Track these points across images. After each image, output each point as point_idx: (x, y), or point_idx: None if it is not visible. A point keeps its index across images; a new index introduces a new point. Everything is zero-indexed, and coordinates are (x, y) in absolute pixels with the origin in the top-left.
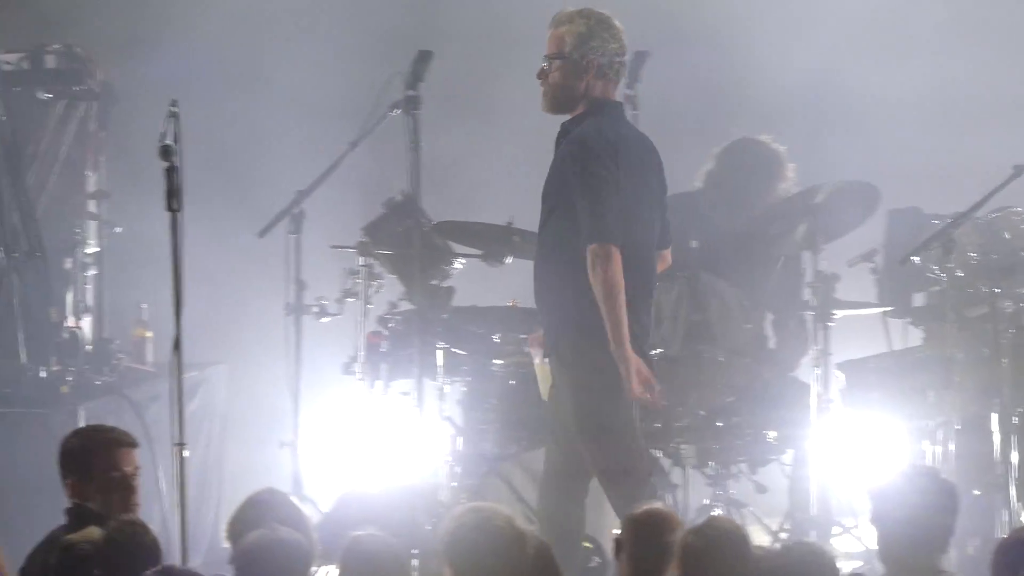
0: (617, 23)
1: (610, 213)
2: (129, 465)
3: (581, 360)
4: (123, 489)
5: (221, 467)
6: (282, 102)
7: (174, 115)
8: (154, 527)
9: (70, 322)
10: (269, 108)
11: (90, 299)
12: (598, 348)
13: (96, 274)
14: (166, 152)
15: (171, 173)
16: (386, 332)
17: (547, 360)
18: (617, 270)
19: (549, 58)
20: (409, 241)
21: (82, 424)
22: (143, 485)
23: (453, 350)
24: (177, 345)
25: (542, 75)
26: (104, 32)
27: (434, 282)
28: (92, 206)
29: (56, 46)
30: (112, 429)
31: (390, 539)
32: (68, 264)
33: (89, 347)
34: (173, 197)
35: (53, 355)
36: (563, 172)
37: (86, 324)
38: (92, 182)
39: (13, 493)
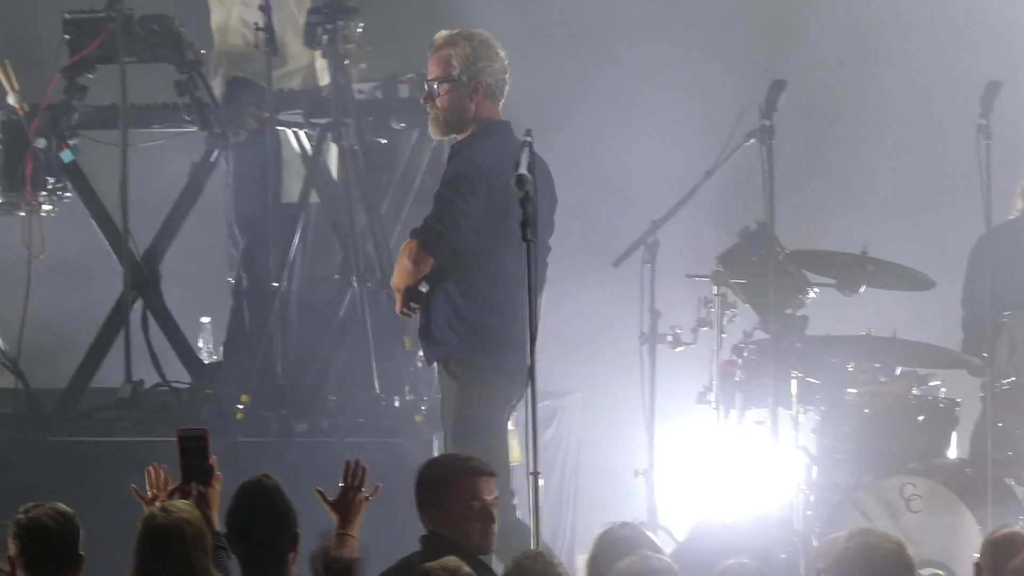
0: (496, 43)
1: (447, 231)
2: (488, 494)
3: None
4: (482, 518)
5: (575, 496)
6: (639, 130)
7: (528, 144)
8: None
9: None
10: (625, 136)
11: None
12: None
13: None
14: (520, 182)
15: (525, 203)
16: (740, 361)
17: None
18: (420, 270)
19: (437, 81)
20: (763, 270)
21: (436, 453)
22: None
23: (807, 379)
24: (531, 374)
25: (428, 99)
26: None
27: (788, 311)
28: None
29: (410, 75)
30: (470, 458)
31: (760, 567)
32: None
33: None
34: (528, 227)
35: (407, 384)
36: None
37: None
38: None
39: (367, 522)
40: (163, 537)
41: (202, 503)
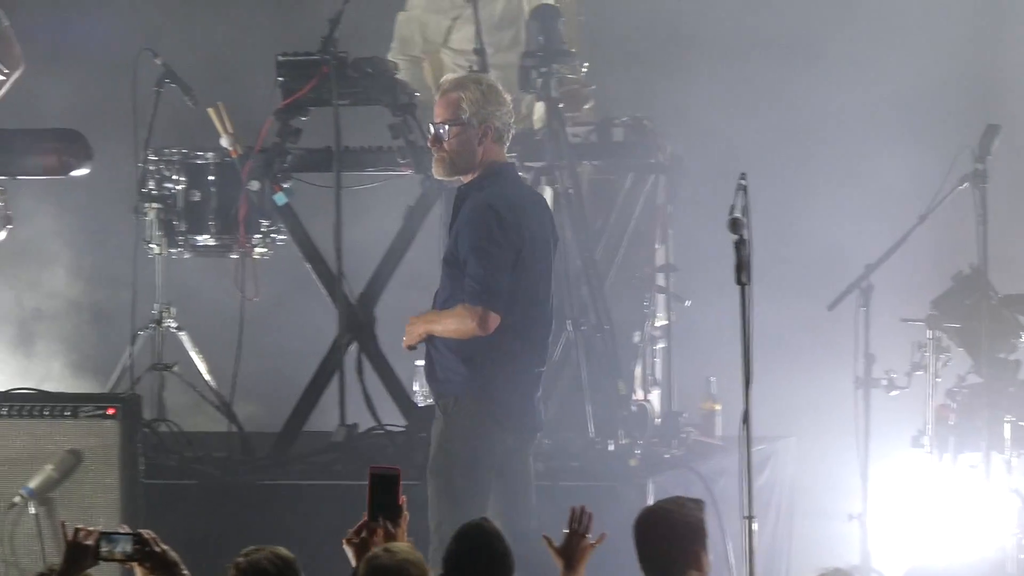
0: (503, 89)
1: (501, 284)
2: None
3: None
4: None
5: (790, 540)
6: (850, 176)
7: (743, 188)
8: None
9: (638, 395)
10: (840, 182)
11: (659, 372)
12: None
13: (664, 347)
14: (735, 225)
15: (740, 246)
16: (954, 405)
17: None
18: (488, 332)
19: (446, 123)
20: (977, 314)
21: (651, 498)
22: (713, 558)
23: (1020, 423)
24: (746, 418)
25: (436, 141)
26: (669, 102)
27: (1001, 355)
28: (660, 279)
29: (624, 119)
30: (683, 503)
31: None
32: (636, 338)
33: (658, 420)
34: (742, 270)
35: (621, 428)
36: (459, 237)
37: (655, 397)
38: (660, 255)
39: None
40: (383, 574)
41: (388, 542)
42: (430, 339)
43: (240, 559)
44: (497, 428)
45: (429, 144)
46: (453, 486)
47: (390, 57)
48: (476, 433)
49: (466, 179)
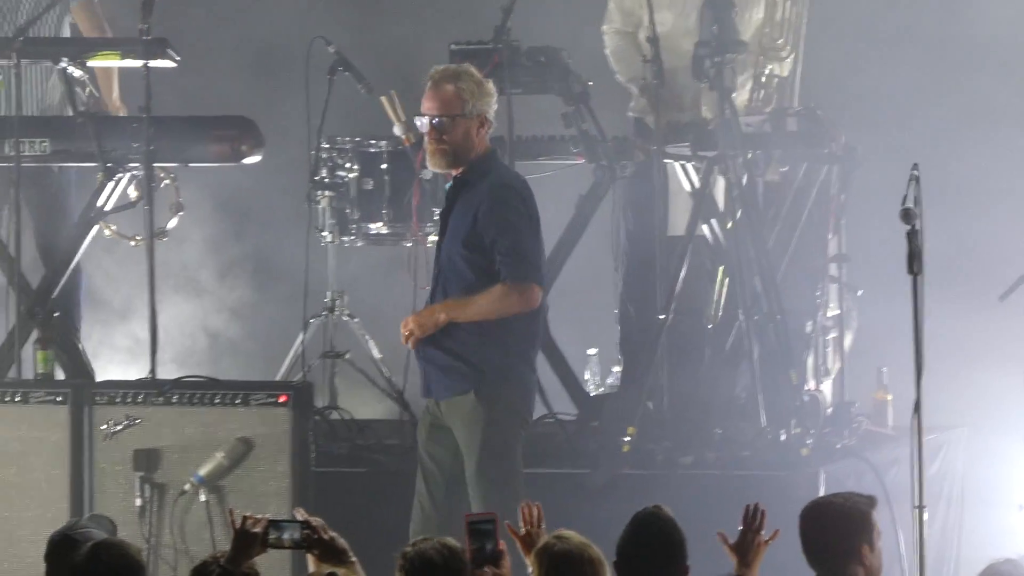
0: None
1: (539, 257)
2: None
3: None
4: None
5: (960, 530)
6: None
7: (915, 178)
8: None
9: (810, 385)
10: (1010, 171)
11: (831, 362)
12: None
13: (836, 337)
14: (907, 215)
15: (912, 236)
16: None
17: None
18: (528, 309)
19: (448, 116)
20: None
21: (822, 488)
22: (884, 547)
23: None
24: (918, 408)
25: (436, 133)
26: (844, 91)
27: None
28: (833, 269)
29: (798, 108)
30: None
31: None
32: (808, 327)
33: (830, 410)
34: (914, 260)
35: (793, 418)
36: (486, 219)
37: (826, 387)
38: (833, 245)
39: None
40: (564, 561)
41: None
42: (446, 330)
43: (408, 548)
44: (526, 409)
45: (428, 136)
46: (515, 475)
47: (604, 27)
48: (520, 416)
49: (456, 170)
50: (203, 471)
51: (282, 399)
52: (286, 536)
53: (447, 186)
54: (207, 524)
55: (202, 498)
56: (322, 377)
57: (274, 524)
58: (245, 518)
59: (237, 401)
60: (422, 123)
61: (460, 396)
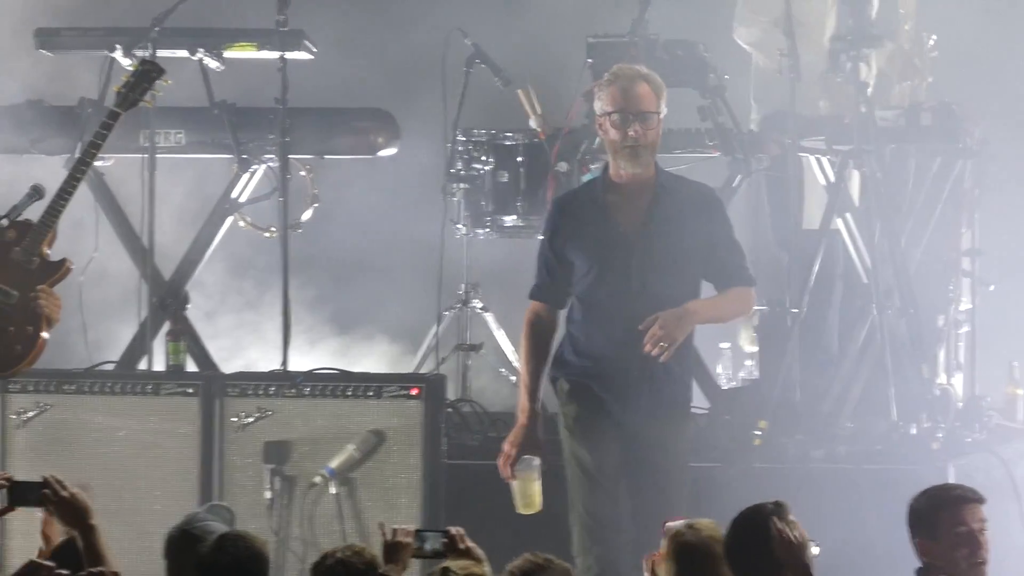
0: None
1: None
2: (976, 521)
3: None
4: (969, 544)
5: None
6: None
7: None
8: None
9: (942, 379)
10: None
11: (962, 356)
12: None
13: (968, 331)
14: None
15: None
16: None
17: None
18: None
19: (656, 114)
20: None
21: (951, 480)
22: (999, 541)
23: None
24: None
25: (643, 133)
26: (979, 86)
27: None
28: (966, 263)
29: (932, 103)
30: (958, 486)
31: None
32: (941, 321)
33: (960, 404)
34: None
35: (924, 412)
36: (710, 225)
37: (957, 381)
38: (966, 239)
39: (863, 551)
40: (688, 552)
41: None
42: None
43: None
44: None
45: (640, 132)
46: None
47: (739, 17)
48: None
49: (647, 171)
50: (334, 464)
51: (414, 391)
52: (427, 546)
53: (584, 179)
54: (338, 517)
55: (332, 491)
56: (455, 370)
57: (419, 534)
58: (395, 530)
59: (369, 393)
60: (626, 117)
61: (680, 406)
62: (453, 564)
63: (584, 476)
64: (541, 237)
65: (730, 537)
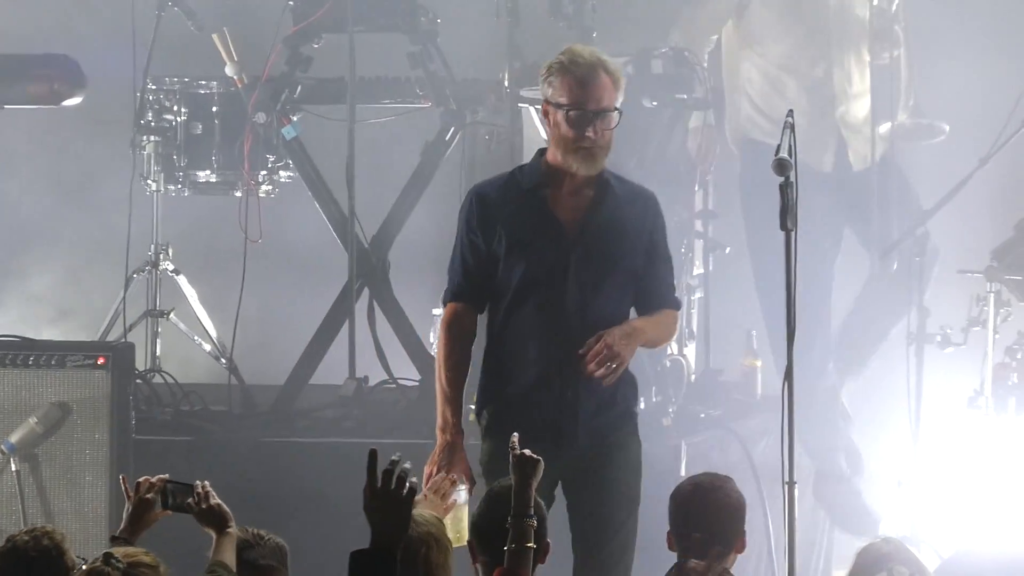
0: None
1: None
2: None
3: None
4: None
5: None
6: None
7: (790, 126)
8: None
9: (673, 350)
10: None
11: (695, 325)
12: None
13: (702, 297)
14: (781, 166)
15: (786, 189)
16: (1014, 363)
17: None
18: None
19: (613, 112)
20: None
21: (684, 458)
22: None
23: None
24: (788, 375)
25: (602, 133)
26: None
27: None
28: (699, 225)
29: (664, 50)
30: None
31: None
32: None
33: (693, 377)
34: (787, 215)
35: (653, 386)
36: (649, 231)
37: (690, 352)
38: (699, 200)
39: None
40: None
41: None
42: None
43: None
44: None
45: (598, 132)
46: None
47: None
48: None
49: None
50: (14, 438)
51: (100, 361)
52: (170, 501)
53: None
54: (18, 496)
55: (13, 467)
56: (145, 337)
57: (165, 487)
58: (139, 484)
59: (52, 363)
60: (584, 115)
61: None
62: (118, 551)
63: None
64: (458, 235)
65: None
